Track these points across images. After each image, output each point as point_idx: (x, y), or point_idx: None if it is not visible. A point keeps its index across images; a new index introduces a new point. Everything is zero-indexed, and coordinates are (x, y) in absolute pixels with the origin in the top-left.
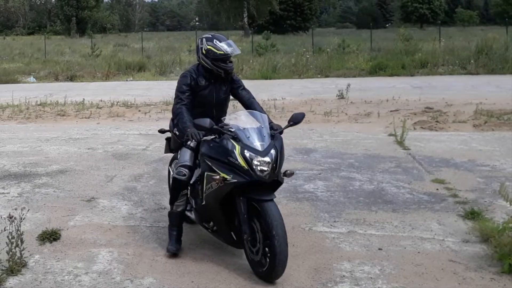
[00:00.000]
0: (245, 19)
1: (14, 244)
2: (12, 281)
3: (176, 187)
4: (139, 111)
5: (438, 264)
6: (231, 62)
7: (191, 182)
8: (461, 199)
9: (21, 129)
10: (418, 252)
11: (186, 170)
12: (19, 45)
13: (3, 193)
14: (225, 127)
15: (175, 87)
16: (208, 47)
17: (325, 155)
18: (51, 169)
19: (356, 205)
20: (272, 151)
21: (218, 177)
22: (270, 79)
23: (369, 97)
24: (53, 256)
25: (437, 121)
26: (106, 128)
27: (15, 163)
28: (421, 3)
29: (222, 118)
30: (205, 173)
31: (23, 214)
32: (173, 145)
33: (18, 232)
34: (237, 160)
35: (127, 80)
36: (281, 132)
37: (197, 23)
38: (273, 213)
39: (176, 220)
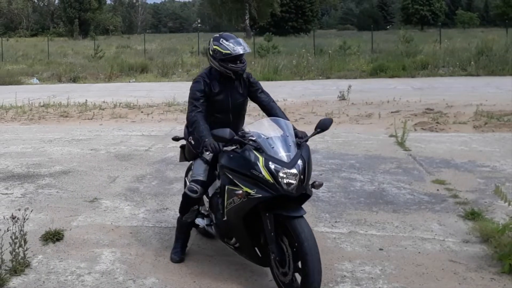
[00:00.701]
0: (247, 21)
1: (18, 245)
2: (15, 281)
3: (187, 202)
4: (142, 112)
5: (438, 264)
6: (242, 62)
7: (210, 195)
8: (461, 199)
9: (24, 130)
10: (419, 252)
11: (198, 186)
12: (23, 46)
13: (6, 193)
14: (246, 135)
15: (177, 88)
16: (215, 47)
17: (326, 156)
18: (54, 170)
19: (357, 206)
20: (299, 162)
21: (240, 192)
22: (271, 80)
23: (370, 98)
24: (56, 256)
25: (437, 122)
26: (109, 129)
27: (19, 164)
28: (421, 5)
29: (243, 127)
30: (226, 186)
31: (26, 214)
32: (188, 155)
33: (22, 233)
34: (261, 173)
35: (129, 82)
36: (306, 140)
37: (199, 25)
38: (304, 231)
39: (184, 229)
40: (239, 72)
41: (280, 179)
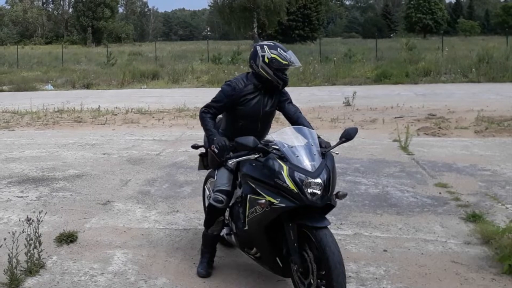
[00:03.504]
0: (255, 29)
1: (32, 246)
2: (30, 281)
3: (212, 214)
4: (153, 117)
5: (440, 265)
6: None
7: (230, 204)
8: (463, 202)
9: (39, 135)
10: (422, 254)
11: (224, 196)
12: (38, 54)
13: (22, 196)
14: (269, 144)
15: (187, 95)
16: (273, 55)
17: None
18: (68, 173)
19: (362, 208)
20: (324, 172)
21: (263, 201)
22: None
23: (375, 104)
24: (70, 257)
25: (439, 128)
26: (121, 134)
27: (34, 168)
28: (424, 13)
29: (267, 136)
30: (248, 195)
31: (41, 217)
32: (211, 164)
33: (36, 234)
34: (285, 182)
35: (141, 88)
36: (333, 148)
37: (208, 33)
38: (328, 242)
39: (210, 242)
40: (287, 82)
41: (304, 189)
